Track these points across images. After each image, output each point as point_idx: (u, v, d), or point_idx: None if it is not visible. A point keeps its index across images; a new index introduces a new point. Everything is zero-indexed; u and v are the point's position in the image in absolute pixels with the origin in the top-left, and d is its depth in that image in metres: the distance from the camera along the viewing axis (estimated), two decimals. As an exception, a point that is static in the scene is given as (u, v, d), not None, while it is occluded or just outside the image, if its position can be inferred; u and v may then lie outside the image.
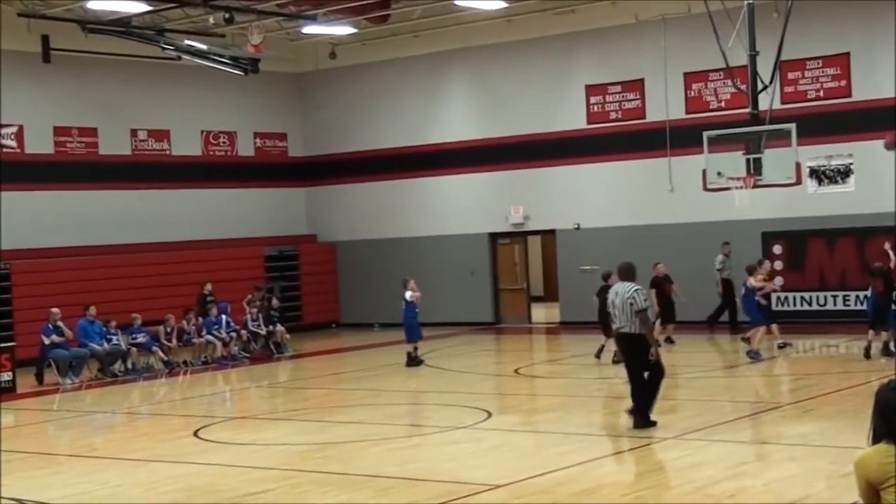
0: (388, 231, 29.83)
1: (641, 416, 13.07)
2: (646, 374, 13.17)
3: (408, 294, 21.19)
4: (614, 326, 13.31)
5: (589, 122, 27.00)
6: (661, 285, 21.67)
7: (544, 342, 26.70)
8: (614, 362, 18.26)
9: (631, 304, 12.92)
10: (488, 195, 28.41)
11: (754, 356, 19.24)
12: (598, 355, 19.84)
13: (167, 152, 28.06)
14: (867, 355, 18.52)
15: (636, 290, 13.13)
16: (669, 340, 21.63)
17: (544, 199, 27.62)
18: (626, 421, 13.31)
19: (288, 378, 22.21)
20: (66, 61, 25.42)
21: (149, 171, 27.48)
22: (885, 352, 18.64)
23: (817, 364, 19.31)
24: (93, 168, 26.39)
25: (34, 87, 25.46)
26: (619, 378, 16.86)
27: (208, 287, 24.60)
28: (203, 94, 28.46)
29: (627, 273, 13.49)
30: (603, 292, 18.90)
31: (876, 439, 5.55)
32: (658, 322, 20.63)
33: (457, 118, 29.01)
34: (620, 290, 13.14)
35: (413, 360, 20.96)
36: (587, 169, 27.01)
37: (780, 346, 20.44)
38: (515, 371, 20.06)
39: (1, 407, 17.95)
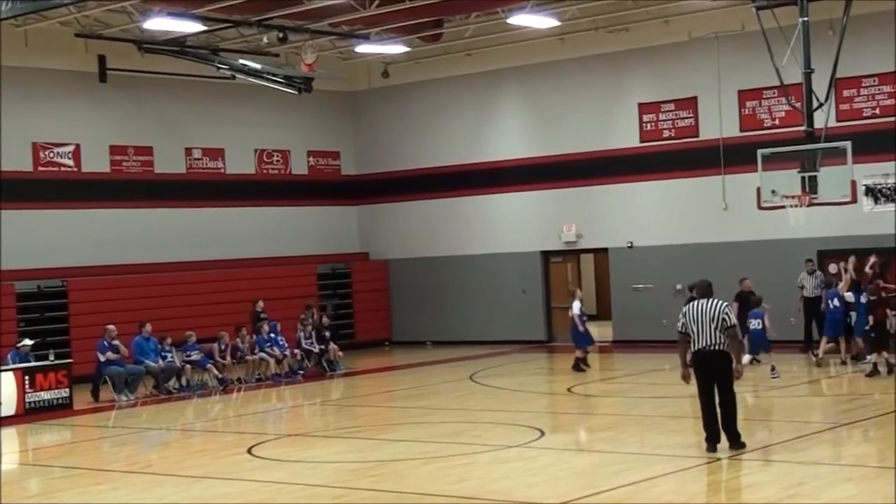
0: (441, 249, 29.88)
1: (731, 438, 12.76)
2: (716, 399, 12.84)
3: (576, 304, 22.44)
4: (696, 346, 12.77)
5: (642, 140, 26.92)
6: (746, 301, 21.39)
7: (597, 361, 26.56)
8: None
9: (724, 320, 12.61)
10: (541, 213, 28.38)
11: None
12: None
13: (221, 171, 28.30)
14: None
15: (727, 305, 12.91)
16: (756, 360, 21.09)
17: (597, 217, 27.55)
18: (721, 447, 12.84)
19: (341, 396, 22.27)
20: (122, 81, 25.76)
21: (203, 189, 27.73)
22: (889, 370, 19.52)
23: (875, 384, 19.04)
24: (148, 187, 26.68)
25: (91, 106, 25.80)
26: (671, 396, 16.73)
27: (260, 304, 24.76)
28: (257, 112, 28.70)
29: (708, 290, 13.11)
30: (743, 299, 20.37)
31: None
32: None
33: (509, 136, 29.03)
34: (706, 307, 12.77)
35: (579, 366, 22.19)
36: (640, 187, 26.92)
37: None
38: (568, 390, 19.98)
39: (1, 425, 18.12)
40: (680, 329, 12.90)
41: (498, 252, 28.99)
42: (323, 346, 24.71)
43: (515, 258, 28.70)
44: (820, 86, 20.11)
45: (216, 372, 22.80)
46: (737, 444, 12.70)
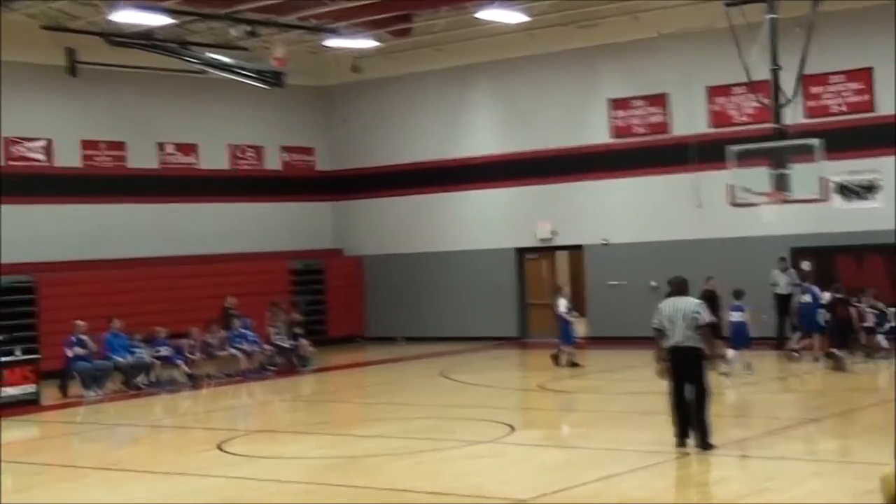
0: (414, 245, 29.87)
1: (701, 435, 12.67)
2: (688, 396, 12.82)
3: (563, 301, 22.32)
4: (669, 342, 12.75)
5: (613, 137, 26.98)
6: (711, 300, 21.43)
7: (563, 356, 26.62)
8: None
9: (695, 318, 12.59)
10: (515, 210, 28.41)
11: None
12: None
13: (194, 166, 28.19)
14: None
15: (700, 304, 12.95)
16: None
17: (572, 214, 27.59)
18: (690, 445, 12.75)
19: (312, 392, 22.23)
20: (94, 75, 25.58)
21: (176, 184, 27.62)
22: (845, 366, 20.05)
23: (843, 380, 19.17)
24: (121, 182, 26.54)
25: (63, 101, 25.63)
26: (644, 392, 16.76)
27: (232, 301, 24.68)
28: (231, 108, 28.59)
29: (682, 287, 13.15)
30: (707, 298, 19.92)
31: (901, 455, 5.52)
32: None
33: (481, 132, 29.04)
34: (680, 305, 12.79)
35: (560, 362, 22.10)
36: (614, 184, 26.97)
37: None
38: (539, 386, 20.01)
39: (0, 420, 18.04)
40: (655, 325, 12.90)
41: (472, 249, 28.99)
42: (294, 342, 24.66)
43: (489, 255, 28.71)
44: (788, 83, 20.20)
45: (186, 368, 22.71)
46: (705, 443, 12.59)
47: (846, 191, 23.93)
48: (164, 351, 22.62)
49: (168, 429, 17.85)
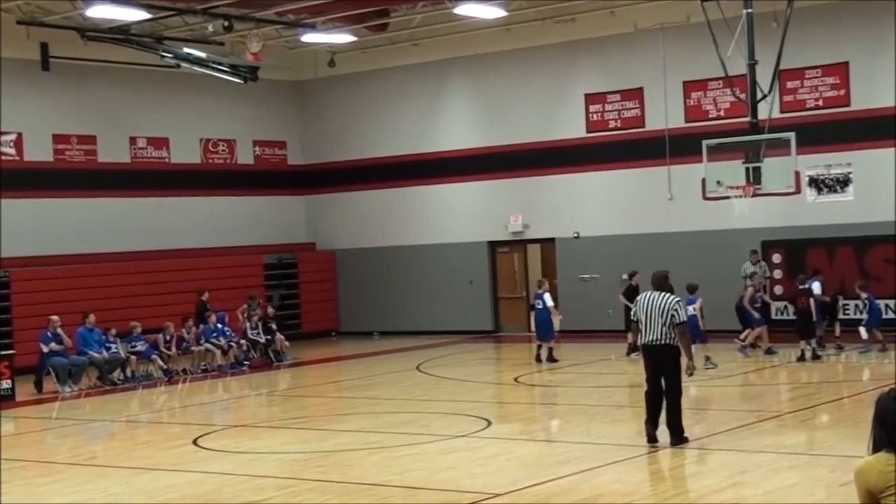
0: (388, 239, 29.85)
1: (673, 434, 12.57)
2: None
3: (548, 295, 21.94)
4: (644, 338, 12.55)
5: (588, 131, 27.03)
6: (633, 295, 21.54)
7: (543, 350, 26.68)
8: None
9: (672, 315, 12.31)
10: (487, 203, 28.43)
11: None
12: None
13: (166, 160, 28.07)
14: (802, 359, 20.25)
15: (678, 301, 12.58)
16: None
17: (544, 207, 27.64)
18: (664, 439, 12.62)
19: (287, 386, 22.19)
20: (65, 69, 25.45)
21: (148, 178, 27.50)
22: (813, 356, 20.38)
23: (816, 373, 19.29)
24: (92, 176, 26.39)
25: (34, 94, 25.47)
26: (617, 386, 16.81)
27: (206, 295, 24.60)
28: (202, 102, 28.48)
29: (663, 282, 12.82)
30: (631, 293, 19.95)
31: (876, 448, 5.55)
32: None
33: (456, 126, 29.04)
34: (657, 300, 12.47)
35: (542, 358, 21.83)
36: (586, 177, 27.04)
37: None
38: (515, 379, 20.05)
39: (1, 415, 17.93)
40: (633, 318, 12.82)
41: (445, 242, 29.01)
42: (269, 337, 24.60)
43: (462, 248, 28.73)
44: (764, 77, 20.29)
45: (161, 363, 22.64)
46: (678, 439, 12.53)
47: (819, 184, 24.07)
48: (139, 346, 22.53)
49: (143, 424, 17.78)
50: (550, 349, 21.87)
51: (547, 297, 21.85)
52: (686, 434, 12.66)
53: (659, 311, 12.37)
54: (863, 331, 21.44)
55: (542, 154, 27.46)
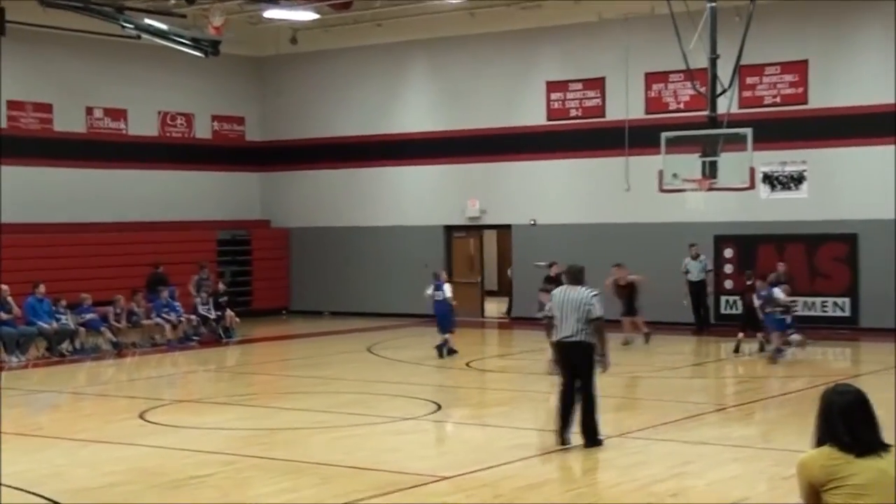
0: (343, 219, 29.75)
1: (587, 437, 12.02)
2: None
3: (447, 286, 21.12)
4: (558, 335, 11.97)
5: (549, 119, 27.05)
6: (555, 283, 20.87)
7: (496, 336, 26.77)
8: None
9: (588, 310, 11.73)
10: (445, 188, 28.40)
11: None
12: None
13: (123, 132, 27.80)
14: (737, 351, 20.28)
15: (595, 295, 11.90)
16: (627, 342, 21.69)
17: (501, 193, 27.66)
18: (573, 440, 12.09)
19: (236, 363, 22.10)
20: (22, 35, 25.03)
21: (104, 149, 27.21)
22: (760, 349, 20.25)
23: (762, 367, 19.46)
24: (46, 145, 26.08)
25: (-12, 60, 25.10)
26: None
27: (162, 269, 24.44)
28: (161, 74, 28.21)
29: (578, 276, 12.18)
30: (550, 283, 19.09)
31: (819, 442, 5.61)
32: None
33: (417, 109, 28.97)
34: (572, 295, 11.88)
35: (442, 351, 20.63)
36: (545, 165, 27.07)
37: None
38: (467, 364, 20.07)
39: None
40: (546, 313, 12.20)
41: (401, 225, 28.95)
42: (219, 313, 24.49)
43: (418, 232, 28.69)
44: (725, 72, 20.38)
45: (110, 335, 22.47)
46: (592, 441, 11.96)
47: (773, 181, 24.25)
48: (89, 317, 22.34)
49: (90, 396, 17.64)
50: (446, 340, 20.70)
51: (447, 287, 21.03)
52: (601, 436, 12.07)
53: (574, 306, 11.78)
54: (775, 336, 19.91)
55: (501, 140, 27.46)
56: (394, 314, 28.01)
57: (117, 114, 27.65)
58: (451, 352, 20.60)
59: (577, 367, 11.94)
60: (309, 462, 11.52)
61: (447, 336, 20.67)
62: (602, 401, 13.92)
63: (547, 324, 12.13)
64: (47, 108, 26.25)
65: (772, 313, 19.56)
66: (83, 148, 26.76)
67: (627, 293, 22.04)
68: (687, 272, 24.00)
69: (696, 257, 23.94)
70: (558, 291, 12.20)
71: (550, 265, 22.06)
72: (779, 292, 19.70)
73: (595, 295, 11.90)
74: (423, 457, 11.86)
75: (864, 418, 5.61)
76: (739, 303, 22.96)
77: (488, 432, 13.80)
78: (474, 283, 28.54)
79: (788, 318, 19.74)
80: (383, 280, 29.12)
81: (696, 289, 24.04)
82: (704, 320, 24.24)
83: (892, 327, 22.68)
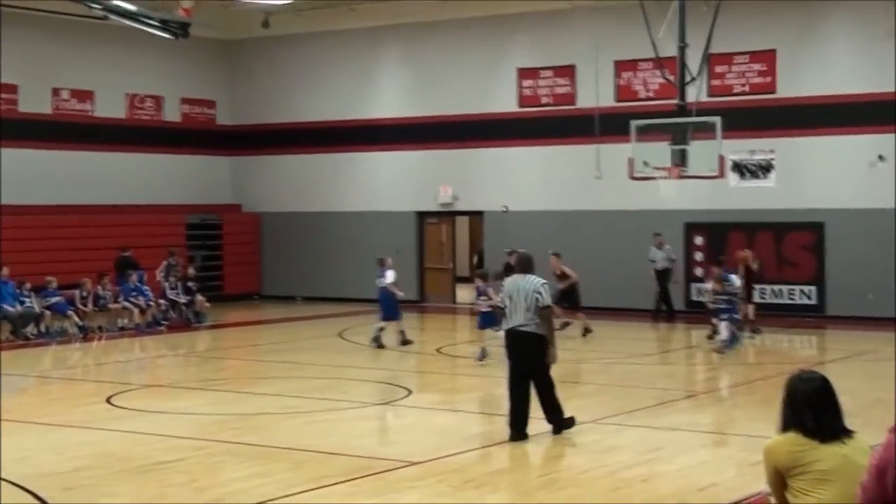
0: (315, 204, 29.67)
1: (556, 425, 11.78)
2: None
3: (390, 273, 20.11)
4: (508, 324, 11.69)
5: (520, 106, 27.06)
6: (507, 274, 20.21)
7: (467, 322, 26.75)
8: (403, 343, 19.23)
9: (537, 299, 11.48)
10: (418, 174, 28.37)
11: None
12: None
13: (90, 113, 27.59)
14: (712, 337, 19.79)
15: (543, 284, 11.70)
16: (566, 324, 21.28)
17: (473, 180, 27.66)
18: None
19: (205, 348, 22.02)
20: (-11, 15, 24.85)
21: (70, 131, 26.99)
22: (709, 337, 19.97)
23: (732, 354, 19.56)
24: (11, 126, 25.78)
25: (-47, 39, 24.84)
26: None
27: (130, 252, 24.31)
28: (130, 56, 27.99)
29: (528, 265, 11.96)
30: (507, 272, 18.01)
31: (785, 428, 5.67)
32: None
33: (389, 95, 28.90)
34: (521, 283, 11.63)
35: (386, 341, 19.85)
36: (517, 152, 27.09)
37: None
38: (437, 350, 20.08)
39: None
40: (499, 303, 11.96)
41: (373, 210, 28.90)
42: (189, 297, 24.39)
43: (391, 217, 28.65)
44: (694, 61, 20.44)
45: (77, 319, 22.34)
46: (562, 423, 11.83)
47: (742, 169, 24.37)
48: (55, 301, 22.19)
49: (56, 380, 17.53)
50: (400, 331, 19.95)
51: (389, 274, 20.06)
52: (571, 415, 11.93)
53: (523, 295, 11.54)
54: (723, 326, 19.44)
55: (473, 126, 27.44)
56: (365, 300, 27.84)
57: (84, 95, 27.43)
58: (405, 342, 19.78)
59: (527, 356, 11.65)
60: (280, 447, 11.49)
61: (385, 325, 19.83)
62: (573, 388, 14.05)
63: (499, 313, 11.77)
64: (12, 88, 25.98)
65: (717, 302, 18.98)
66: (49, 129, 26.53)
67: (569, 289, 21.25)
68: (653, 261, 24.08)
69: (659, 246, 24.03)
70: (509, 281, 11.94)
71: (511, 253, 21.39)
72: (735, 279, 19.42)
73: (544, 283, 11.71)
74: (393, 442, 11.88)
75: (828, 405, 5.69)
76: (756, 292, 23.02)
77: (459, 418, 13.82)
78: (446, 269, 28.55)
79: (726, 306, 18.92)
80: (355, 266, 29.01)
81: (661, 277, 24.10)
82: (669, 308, 24.31)
83: (858, 315, 22.89)
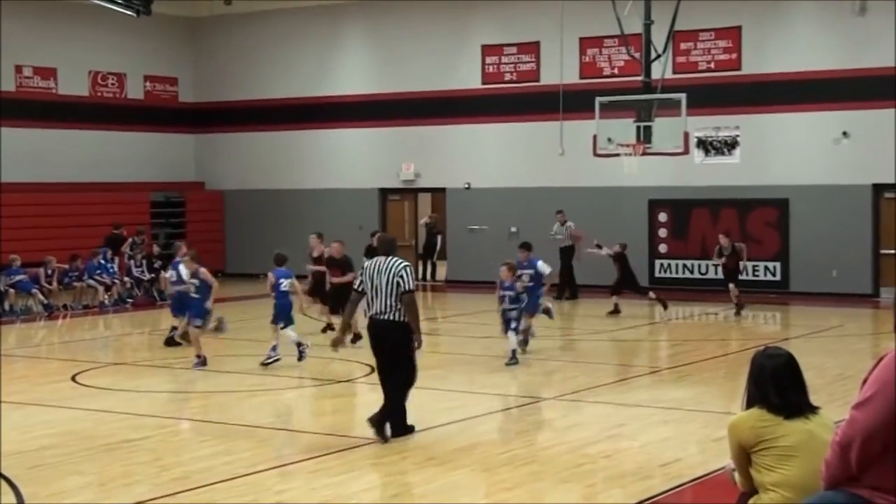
0: (278, 182, 29.58)
1: (393, 427, 10.72)
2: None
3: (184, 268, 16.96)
4: (370, 311, 10.75)
5: (484, 83, 27.04)
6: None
7: (430, 299, 26.79)
8: (171, 343, 16.87)
9: (398, 283, 10.59)
10: (380, 151, 28.32)
11: None
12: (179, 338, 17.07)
13: (53, 91, 27.35)
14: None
15: (406, 266, 10.75)
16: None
17: (436, 157, 27.65)
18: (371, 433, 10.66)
19: (170, 326, 21.89)
20: (-51, -9, 24.57)
21: (33, 108, 26.77)
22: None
23: (696, 331, 19.72)
24: (-26, 103, 25.60)
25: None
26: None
27: (122, 230, 24.27)
28: (93, 33, 27.76)
29: (390, 247, 11.10)
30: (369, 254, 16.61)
31: (749, 404, 5.72)
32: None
33: (352, 72, 28.81)
34: (383, 267, 10.69)
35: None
36: (480, 129, 27.09)
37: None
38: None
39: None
40: (357, 287, 10.91)
41: (336, 187, 28.85)
42: (153, 276, 24.28)
43: (353, 194, 28.61)
44: (659, 37, 20.49)
45: (42, 297, 22.19)
46: (404, 428, 10.84)
47: (707, 146, 24.48)
48: (18, 279, 22.03)
49: (21, 359, 17.40)
50: (175, 328, 17.47)
51: (182, 267, 17.20)
52: (412, 424, 10.97)
53: (385, 280, 10.62)
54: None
55: (436, 103, 27.41)
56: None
57: (47, 73, 27.18)
58: (179, 341, 17.02)
59: (390, 348, 10.77)
60: (243, 425, 11.49)
61: (180, 323, 17.11)
62: (537, 364, 14.06)
63: (353, 297, 10.97)
64: (-26, 66, 25.74)
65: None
66: (12, 107, 26.27)
67: None
68: (555, 237, 23.72)
69: (563, 223, 23.94)
70: (369, 264, 10.93)
71: (373, 234, 19.36)
72: (543, 266, 16.47)
73: (407, 266, 10.77)
74: (356, 419, 11.88)
75: (793, 381, 5.72)
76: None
77: (422, 395, 13.82)
78: (408, 245, 28.54)
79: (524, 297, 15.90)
80: (318, 243, 28.96)
81: (564, 254, 23.78)
82: (571, 285, 23.79)
83: (822, 291, 23.09)
